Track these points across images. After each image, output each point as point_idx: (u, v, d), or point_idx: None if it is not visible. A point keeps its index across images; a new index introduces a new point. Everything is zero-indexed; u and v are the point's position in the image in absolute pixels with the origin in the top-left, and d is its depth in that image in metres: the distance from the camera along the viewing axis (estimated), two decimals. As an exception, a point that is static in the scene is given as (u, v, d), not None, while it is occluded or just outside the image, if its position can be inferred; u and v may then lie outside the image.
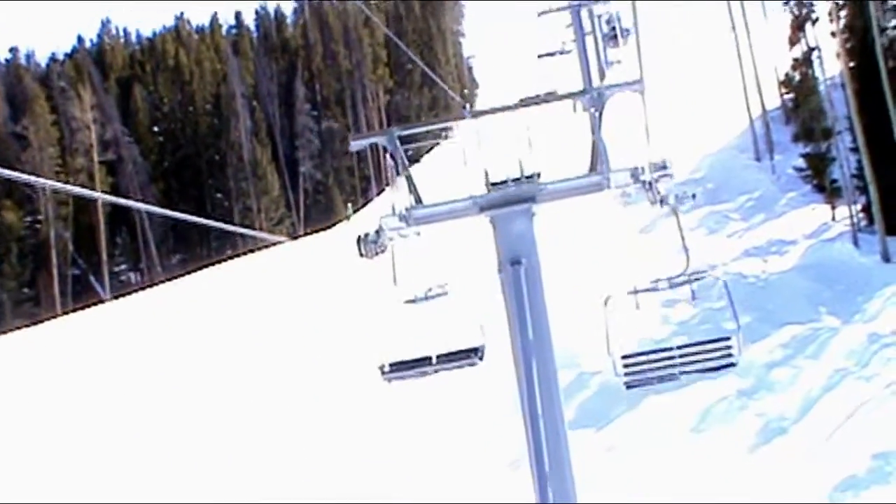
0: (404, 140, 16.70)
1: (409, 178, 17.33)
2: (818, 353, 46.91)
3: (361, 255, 18.28)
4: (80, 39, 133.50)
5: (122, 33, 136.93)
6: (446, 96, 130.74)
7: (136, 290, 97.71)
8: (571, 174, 16.79)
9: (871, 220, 61.84)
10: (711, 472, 37.93)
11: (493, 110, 17.01)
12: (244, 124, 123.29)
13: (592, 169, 16.34)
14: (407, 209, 17.32)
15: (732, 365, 14.73)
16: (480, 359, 16.04)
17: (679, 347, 15.13)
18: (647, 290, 16.14)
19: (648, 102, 13.58)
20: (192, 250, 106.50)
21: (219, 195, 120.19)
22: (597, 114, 15.49)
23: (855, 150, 63.80)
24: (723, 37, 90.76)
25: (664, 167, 14.84)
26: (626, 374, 15.36)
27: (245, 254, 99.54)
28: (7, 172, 9.23)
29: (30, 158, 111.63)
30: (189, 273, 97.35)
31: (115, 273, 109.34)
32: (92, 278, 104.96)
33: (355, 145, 17.37)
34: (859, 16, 65.52)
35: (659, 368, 14.89)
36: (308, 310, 66.88)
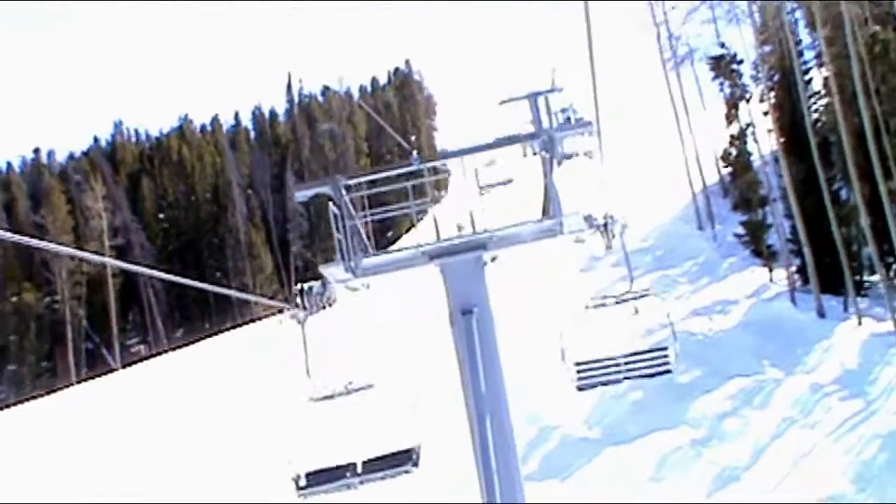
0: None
1: (355, 228, 15.79)
2: (765, 404, 44.81)
3: (304, 308, 16.55)
4: (95, 139, 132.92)
5: (133, 133, 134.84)
6: (423, 183, 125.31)
7: (143, 360, 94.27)
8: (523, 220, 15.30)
9: (805, 280, 60.36)
10: None
11: (445, 155, 16.62)
12: (240, 210, 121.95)
13: (545, 213, 15.43)
14: (352, 260, 15.80)
15: (669, 372, 16.58)
16: (415, 465, 14.76)
17: (624, 356, 16.55)
18: (599, 304, 17.77)
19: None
20: (194, 324, 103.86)
21: (218, 273, 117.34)
22: (548, 157, 14.97)
23: (789, 216, 62.43)
24: (667, 123, 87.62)
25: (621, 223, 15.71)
26: (578, 379, 16.73)
27: (242, 325, 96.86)
28: (31, 241, 10.16)
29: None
30: (191, 343, 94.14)
31: (126, 346, 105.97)
32: (104, 351, 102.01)
33: (300, 196, 16.62)
34: (787, 96, 64.39)
35: (606, 374, 16.62)
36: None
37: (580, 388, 16.94)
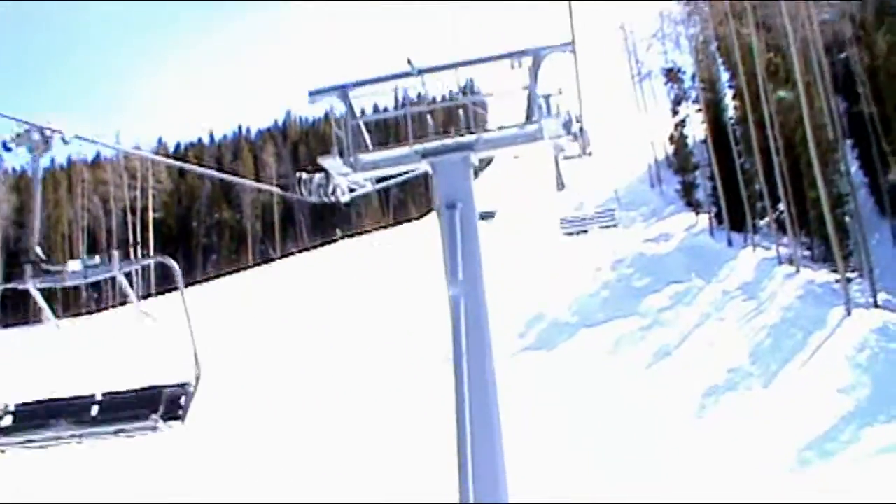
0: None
1: (356, 128, 12.66)
2: (691, 302, 41.90)
3: (301, 195, 12.81)
4: (275, 122, 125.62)
5: (297, 118, 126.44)
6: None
7: (293, 254, 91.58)
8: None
9: (720, 221, 57.35)
10: (620, 380, 32.85)
11: (437, 68, 12.51)
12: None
13: (528, 119, 12.20)
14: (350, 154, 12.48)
15: (615, 225, 17.66)
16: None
17: (590, 215, 16.84)
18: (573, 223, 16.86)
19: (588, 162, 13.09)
20: (328, 234, 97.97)
21: (345, 206, 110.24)
22: (533, 70, 12.10)
23: (711, 178, 59.71)
24: (633, 119, 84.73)
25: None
26: (562, 228, 16.71)
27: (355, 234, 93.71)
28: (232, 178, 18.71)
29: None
30: (323, 245, 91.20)
31: (285, 248, 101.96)
32: (270, 249, 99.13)
33: (312, 99, 12.45)
34: (713, 98, 61.68)
35: (580, 225, 16.51)
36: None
37: (565, 234, 17.27)
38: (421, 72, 13.38)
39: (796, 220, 46.70)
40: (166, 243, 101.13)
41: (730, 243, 53.12)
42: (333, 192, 14.24)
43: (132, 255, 8.36)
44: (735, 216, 54.78)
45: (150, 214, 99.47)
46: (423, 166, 13.01)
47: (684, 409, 29.56)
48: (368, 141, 13.14)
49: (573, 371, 33.76)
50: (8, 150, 7.86)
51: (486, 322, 11.34)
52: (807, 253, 47.94)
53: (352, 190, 14.64)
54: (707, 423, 28.57)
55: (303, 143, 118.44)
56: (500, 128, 12.82)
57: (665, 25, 74.05)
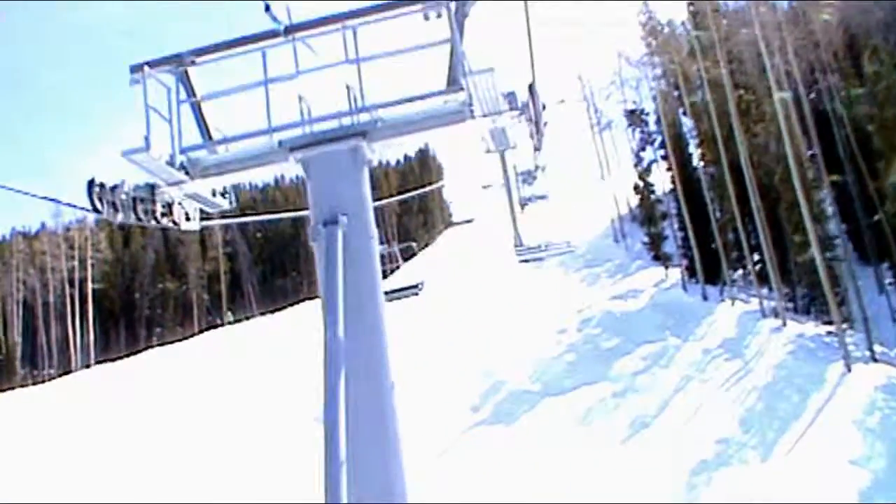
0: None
1: (197, 107, 9.00)
2: (668, 364, 36.93)
3: (97, 210, 8.43)
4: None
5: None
6: (432, 217, 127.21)
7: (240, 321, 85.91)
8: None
9: (691, 275, 53.11)
10: (594, 458, 27.89)
11: (313, 22, 8.64)
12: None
13: (450, 84, 8.38)
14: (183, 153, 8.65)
15: (572, 251, 19.51)
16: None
17: (543, 245, 17.30)
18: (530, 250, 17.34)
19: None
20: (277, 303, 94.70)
21: (294, 273, 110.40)
22: (458, 18, 8.30)
23: (681, 228, 55.70)
24: (593, 170, 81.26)
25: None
26: (517, 255, 17.30)
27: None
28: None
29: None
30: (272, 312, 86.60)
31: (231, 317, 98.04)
32: (217, 319, 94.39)
33: (134, 79, 8.33)
34: (678, 143, 57.73)
35: (534, 253, 17.17)
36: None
37: (522, 261, 17.68)
38: (290, 29, 8.90)
39: (776, 269, 42.47)
40: (107, 316, 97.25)
41: (705, 297, 48.63)
42: (167, 214, 9.67)
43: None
44: (708, 268, 50.60)
45: (90, 286, 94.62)
46: (292, 166, 8.55)
47: (671, 491, 24.77)
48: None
49: (537, 449, 28.78)
50: None
51: (386, 387, 8.17)
52: (789, 305, 43.60)
53: (205, 217, 10.20)
54: (699, 507, 23.92)
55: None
56: (407, 100, 8.40)
57: (623, 70, 70.27)
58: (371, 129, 8.20)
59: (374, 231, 8.14)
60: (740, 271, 50.78)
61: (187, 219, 9.47)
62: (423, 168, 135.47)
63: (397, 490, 7.75)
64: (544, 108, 8.38)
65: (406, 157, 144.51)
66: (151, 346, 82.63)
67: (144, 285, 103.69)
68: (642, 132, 61.98)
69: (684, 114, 57.66)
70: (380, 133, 8.29)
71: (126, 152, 7.95)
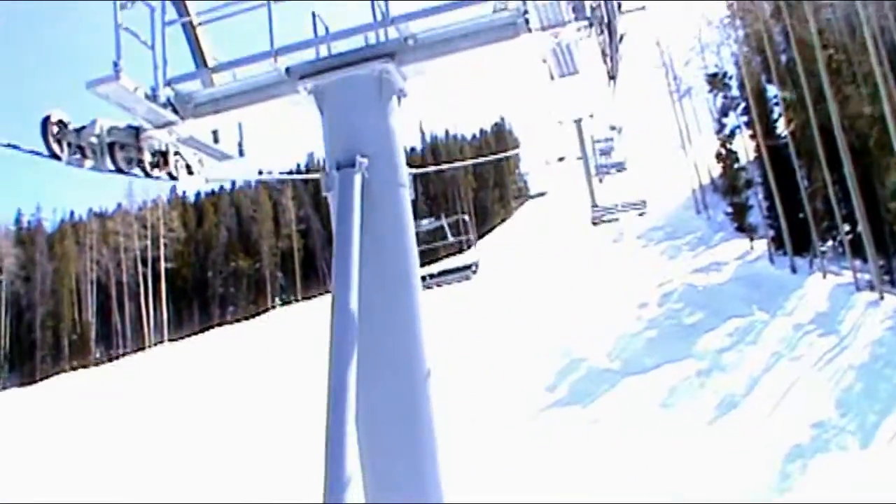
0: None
1: (190, 30, 7.30)
2: (757, 340, 34.47)
3: (54, 156, 6.69)
4: (298, 165, 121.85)
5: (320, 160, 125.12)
6: (508, 192, 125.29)
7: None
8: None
9: (778, 246, 50.28)
10: (678, 442, 25.48)
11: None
12: None
13: None
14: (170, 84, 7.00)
15: (646, 210, 21.01)
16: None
17: (620, 205, 18.83)
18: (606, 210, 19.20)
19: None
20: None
21: None
22: None
23: (767, 198, 52.58)
24: (674, 139, 78.55)
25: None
26: (593, 215, 19.04)
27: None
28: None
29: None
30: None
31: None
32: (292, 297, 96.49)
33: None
34: (763, 106, 54.55)
35: (609, 213, 18.65)
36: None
37: (594, 223, 18.81)
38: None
39: (871, 238, 39.78)
40: (180, 295, 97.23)
41: (793, 269, 46.01)
42: (161, 165, 8.11)
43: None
44: (796, 239, 47.74)
45: (163, 265, 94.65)
46: (303, 100, 6.95)
47: (762, 479, 22.66)
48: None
49: (617, 432, 26.86)
50: None
51: (418, 377, 6.42)
52: (885, 277, 40.68)
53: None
54: (795, 496, 21.81)
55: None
56: (447, 7, 6.74)
57: (703, 35, 67.29)
58: (400, 50, 6.57)
59: (406, 178, 6.52)
60: (830, 242, 48.02)
61: (189, 172, 7.90)
62: (498, 142, 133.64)
63: (430, 493, 6.28)
64: (620, 10, 6.63)
65: (482, 132, 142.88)
66: (218, 325, 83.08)
67: (217, 263, 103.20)
68: (724, 97, 58.99)
69: (768, 81, 54.56)
70: (412, 54, 6.64)
71: (91, 83, 6.41)
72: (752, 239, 54.67)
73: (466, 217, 14.10)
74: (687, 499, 21.17)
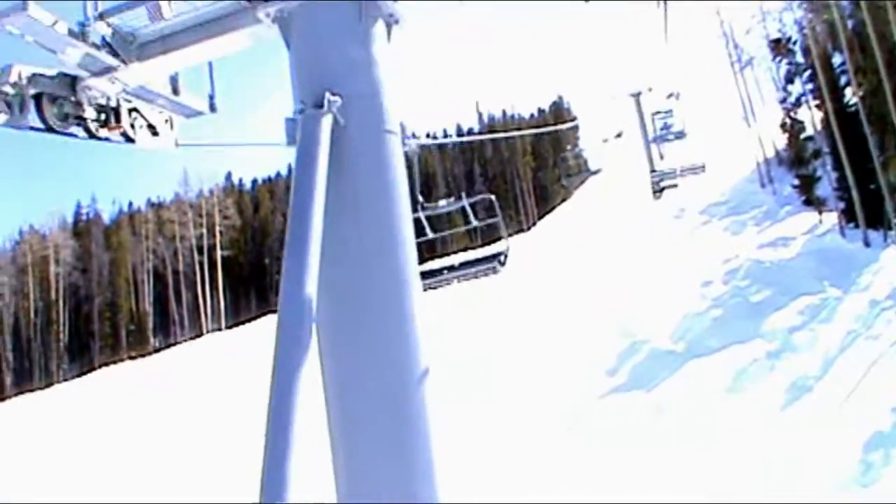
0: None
1: None
2: (830, 318, 32.03)
3: None
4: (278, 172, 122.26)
5: None
6: (568, 170, 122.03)
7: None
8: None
9: (850, 219, 47.82)
10: (748, 430, 23.57)
11: None
12: (443, 192, 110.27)
13: None
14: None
15: (704, 171, 21.48)
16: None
17: (679, 169, 19.14)
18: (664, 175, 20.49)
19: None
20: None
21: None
22: None
23: (837, 168, 49.79)
24: (736, 110, 75.98)
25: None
26: (652, 180, 19.29)
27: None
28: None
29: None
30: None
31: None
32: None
33: None
34: (830, 72, 51.35)
35: (669, 177, 18.87)
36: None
37: (653, 190, 19.38)
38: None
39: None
40: (237, 282, 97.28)
41: (867, 243, 43.56)
42: (111, 125, 6.70)
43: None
44: (869, 212, 45.20)
45: (219, 253, 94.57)
46: (267, 31, 5.51)
47: (842, 471, 20.90)
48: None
49: (681, 418, 25.10)
50: None
51: (411, 378, 5.17)
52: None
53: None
54: (878, 491, 20.01)
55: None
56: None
57: (764, 5, 64.60)
58: None
59: (398, 126, 5.08)
60: (903, 213, 45.35)
61: (154, 133, 6.50)
62: (557, 120, 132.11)
63: (421, 495, 5.23)
64: None
65: (539, 111, 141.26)
66: (272, 312, 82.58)
67: (274, 250, 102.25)
68: (789, 63, 56.50)
69: (835, 49, 51.86)
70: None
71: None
72: (820, 212, 52.12)
73: (493, 196, 12.16)
74: (764, 498, 19.47)
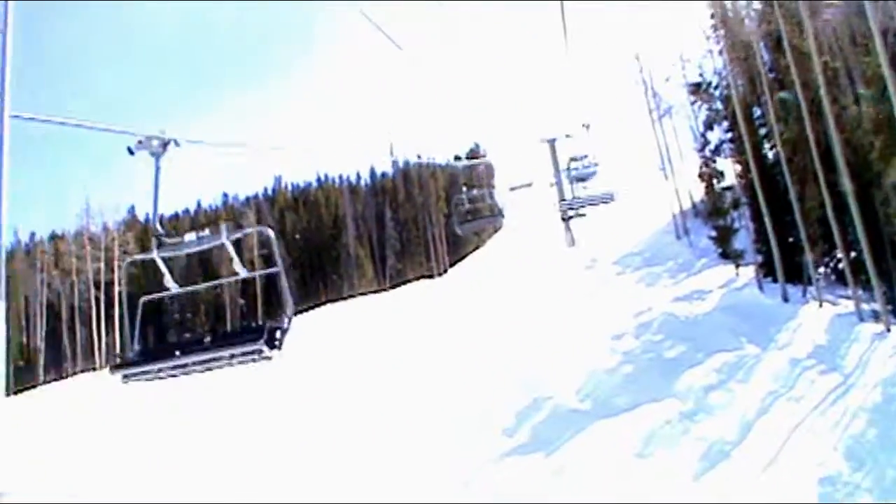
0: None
1: None
2: (748, 377, 29.62)
3: None
4: (265, 189, 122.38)
5: (288, 185, 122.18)
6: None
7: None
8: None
9: (767, 273, 46.16)
10: (658, 499, 21.00)
11: None
12: (352, 234, 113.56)
13: None
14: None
15: (613, 200, 21.04)
16: None
17: (588, 198, 19.00)
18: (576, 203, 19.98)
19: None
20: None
21: (334, 276, 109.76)
22: None
23: (755, 220, 47.83)
24: (652, 160, 75.37)
25: None
26: (560, 209, 19.12)
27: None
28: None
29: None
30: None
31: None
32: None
33: None
34: (751, 125, 49.09)
35: (578, 204, 18.88)
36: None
37: (563, 220, 18.94)
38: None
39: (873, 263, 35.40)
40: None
41: (785, 298, 41.82)
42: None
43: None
44: (788, 265, 43.39)
45: (116, 288, 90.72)
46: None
47: (764, 552, 18.36)
48: None
49: (584, 486, 22.21)
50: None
51: None
52: (888, 306, 36.06)
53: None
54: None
55: (291, 211, 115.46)
56: None
57: (684, 52, 63.25)
58: None
59: None
60: (822, 269, 43.25)
61: None
62: (473, 167, 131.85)
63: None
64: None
65: (456, 157, 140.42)
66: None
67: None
68: (709, 109, 55.04)
69: (757, 103, 50.05)
70: None
71: None
72: (738, 265, 50.79)
73: (271, 231, 8.99)
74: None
